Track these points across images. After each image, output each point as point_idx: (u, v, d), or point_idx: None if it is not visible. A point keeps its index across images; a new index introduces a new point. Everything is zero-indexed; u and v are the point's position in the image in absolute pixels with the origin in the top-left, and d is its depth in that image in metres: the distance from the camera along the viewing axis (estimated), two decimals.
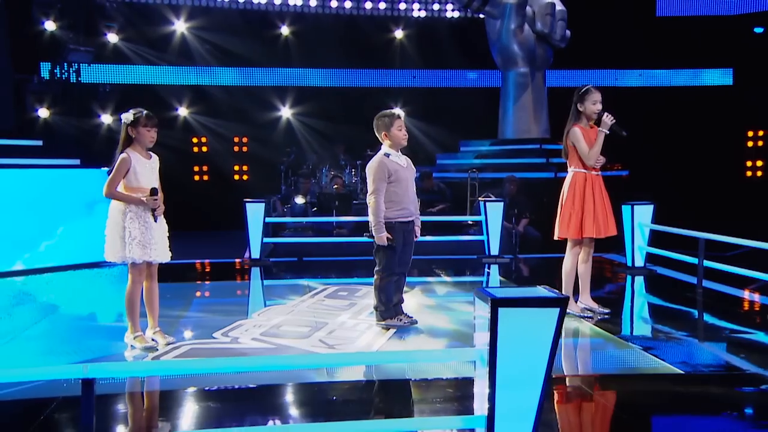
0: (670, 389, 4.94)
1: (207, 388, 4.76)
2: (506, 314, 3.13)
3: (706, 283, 8.15)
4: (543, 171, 13.07)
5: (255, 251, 9.96)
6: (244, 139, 16.54)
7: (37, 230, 9.43)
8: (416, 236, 6.49)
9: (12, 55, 13.14)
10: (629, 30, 16.10)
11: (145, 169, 5.62)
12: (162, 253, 5.70)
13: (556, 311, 3.17)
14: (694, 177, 15.73)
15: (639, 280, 8.84)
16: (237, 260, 10.23)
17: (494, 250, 10.41)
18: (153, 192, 5.57)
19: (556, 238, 6.92)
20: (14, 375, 3.49)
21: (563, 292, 6.92)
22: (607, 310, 6.87)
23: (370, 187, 6.24)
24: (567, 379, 5.15)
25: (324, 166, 13.89)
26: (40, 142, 10.61)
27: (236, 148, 16.57)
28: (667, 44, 16.44)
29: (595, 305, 6.91)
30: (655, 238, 9.25)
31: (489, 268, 9.97)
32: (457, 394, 4.60)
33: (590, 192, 6.66)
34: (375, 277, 6.35)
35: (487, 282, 9.43)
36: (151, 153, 5.76)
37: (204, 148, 16.47)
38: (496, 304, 3.13)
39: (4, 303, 7.81)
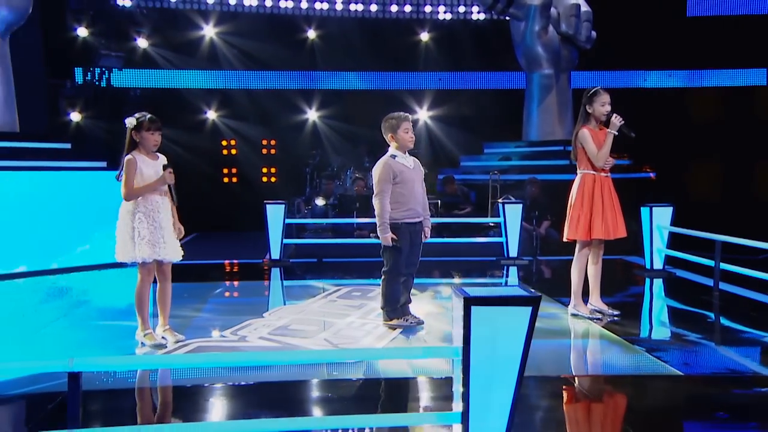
0: (667, 390, 4.94)
1: (206, 385, 4.90)
2: (479, 312, 3.19)
3: (723, 286, 8.06)
4: (567, 173, 12.95)
5: (275, 252, 10.11)
6: (272, 142, 16.74)
7: (65, 230, 9.67)
8: (426, 237, 6.55)
9: (45, 60, 13.55)
10: (659, 30, 15.92)
11: (151, 170, 5.74)
12: (171, 252, 5.81)
13: (528, 310, 3.21)
14: (728, 179, 15.49)
15: (656, 282, 8.79)
16: (258, 261, 10.38)
17: (513, 251, 10.41)
18: (164, 168, 5.72)
19: (565, 239, 6.93)
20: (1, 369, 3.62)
21: (572, 294, 6.94)
22: (616, 312, 6.84)
23: (375, 189, 6.33)
24: (562, 379, 5.15)
25: (349, 168, 14.00)
26: (68, 145, 10.88)
27: (264, 151, 16.78)
28: (697, 44, 16.21)
29: (604, 307, 6.90)
30: (684, 241, 9.12)
31: (507, 270, 9.98)
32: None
33: (599, 193, 6.65)
34: (382, 277, 6.43)
35: (506, 283, 9.46)
36: (158, 154, 5.89)
37: (233, 151, 16.71)
38: (469, 302, 3.19)
39: (31, 300, 8.11)
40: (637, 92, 16.21)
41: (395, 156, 6.37)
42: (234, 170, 16.73)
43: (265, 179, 16.75)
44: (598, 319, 6.74)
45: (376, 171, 6.35)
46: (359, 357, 5.34)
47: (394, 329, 6.30)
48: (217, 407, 4.59)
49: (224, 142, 16.58)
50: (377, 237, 6.38)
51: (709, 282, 8.32)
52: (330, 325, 6.49)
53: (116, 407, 4.59)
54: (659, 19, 16.07)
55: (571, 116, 14.12)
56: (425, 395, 4.80)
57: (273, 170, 16.85)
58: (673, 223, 9.16)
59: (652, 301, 8.15)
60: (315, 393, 4.89)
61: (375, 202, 6.32)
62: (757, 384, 5.06)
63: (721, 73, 16.87)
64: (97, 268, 9.67)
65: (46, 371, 3.85)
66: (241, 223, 14.25)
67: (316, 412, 4.47)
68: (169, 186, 5.79)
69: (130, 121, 5.78)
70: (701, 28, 16.31)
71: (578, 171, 6.82)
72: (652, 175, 14.31)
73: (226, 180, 16.66)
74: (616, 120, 6.62)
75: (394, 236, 6.26)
